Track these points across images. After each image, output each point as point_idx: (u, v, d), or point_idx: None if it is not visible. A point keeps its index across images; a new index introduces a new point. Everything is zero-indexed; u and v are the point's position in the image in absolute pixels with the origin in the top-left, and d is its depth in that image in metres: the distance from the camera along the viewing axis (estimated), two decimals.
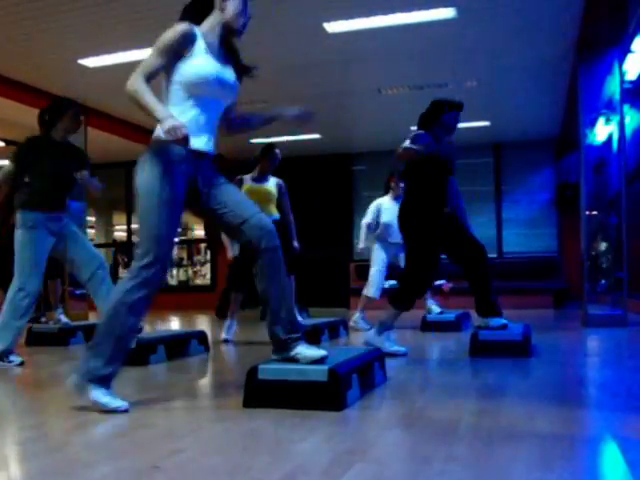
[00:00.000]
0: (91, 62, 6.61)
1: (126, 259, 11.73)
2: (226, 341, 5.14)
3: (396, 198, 6.14)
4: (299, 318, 4.05)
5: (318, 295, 9.84)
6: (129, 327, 2.49)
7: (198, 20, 2.59)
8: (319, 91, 7.75)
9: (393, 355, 3.89)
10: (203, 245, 12.72)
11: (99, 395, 2.43)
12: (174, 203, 2.49)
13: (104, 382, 2.46)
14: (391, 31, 5.84)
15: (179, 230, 12.47)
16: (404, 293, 4.00)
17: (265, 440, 2.04)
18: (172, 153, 2.47)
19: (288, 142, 9.29)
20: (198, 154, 2.54)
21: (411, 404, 2.58)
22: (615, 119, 6.13)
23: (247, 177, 5.23)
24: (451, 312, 6.16)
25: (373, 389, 2.83)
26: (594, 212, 6.48)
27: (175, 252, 12.37)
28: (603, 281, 6.78)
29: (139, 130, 8.59)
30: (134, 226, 11.21)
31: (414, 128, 4.09)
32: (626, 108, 6.68)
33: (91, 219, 12.27)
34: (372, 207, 6.43)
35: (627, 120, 6.93)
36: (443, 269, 4.40)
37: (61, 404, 2.56)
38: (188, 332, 4.69)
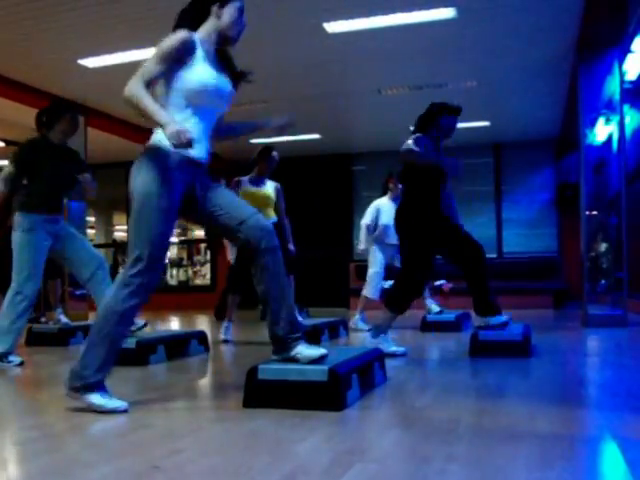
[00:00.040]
0: (91, 62, 6.60)
1: (126, 259, 11.70)
2: (226, 341, 5.15)
3: (394, 199, 6.14)
4: (299, 318, 4.04)
5: (318, 295, 9.86)
6: (119, 334, 2.49)
7: (194, 26, 2.58)
8: (319, 91, 7.74)
9: (392, 355, 3.90)
10: (203, 245, 12.71)
11: (94, 399, 2.43)
12: (169, 210, 2.48)
13: (97, 388, 2.45)
14: (391, 31, 5.83)
15: (178, 231, 12.53)
16: (399, 294, 4.00)
17: (265, 440, 2.04)
18: (169, 160, 2.46)
19: (288, 142, 9.29)
20: (195, 162, 2.54)
21: (411, 404, 2.58)
22: (615, 119, 6.13)
23: (245, 179, 5.22)
24: (451, 312, 6.16)
25: (373, 389, 2.83)
26: (594, 212, 6.47)
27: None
28: (603, 281, 6.78)
29: (139, 130, 8.57)
30: None
31: (413, 128, 4.09)
32: (626, 108, 6.68)
33: (91, 219, 12.26)
34: (371, 208, 6.41)
35: (627, 120, 6.94)
36: (442, 269, 4.39)
37: (61, 404, 2.56)
38: (188, 332, 4.69)
